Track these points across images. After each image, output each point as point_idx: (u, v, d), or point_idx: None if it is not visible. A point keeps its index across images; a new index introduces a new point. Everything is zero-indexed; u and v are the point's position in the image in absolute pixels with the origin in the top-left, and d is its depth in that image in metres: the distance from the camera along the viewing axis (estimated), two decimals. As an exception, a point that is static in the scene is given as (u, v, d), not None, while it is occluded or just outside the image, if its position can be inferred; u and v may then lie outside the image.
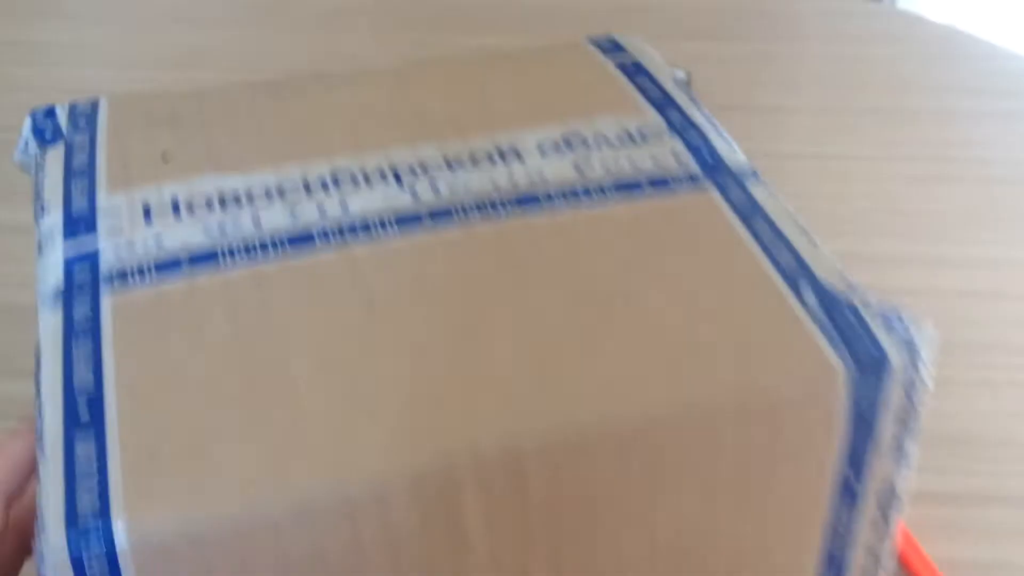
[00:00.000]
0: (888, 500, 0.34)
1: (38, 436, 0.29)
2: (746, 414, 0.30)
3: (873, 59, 0.82)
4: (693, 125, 0.39)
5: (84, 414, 0.29)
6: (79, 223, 0.35)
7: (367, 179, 0.37)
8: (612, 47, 0.45)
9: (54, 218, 0.36)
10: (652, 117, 0.40)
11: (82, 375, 0.30)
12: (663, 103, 0.41)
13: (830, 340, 0.31)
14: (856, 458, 0.32)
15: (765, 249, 0.34)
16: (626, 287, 0.33)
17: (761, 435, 0.31)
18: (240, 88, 0.43)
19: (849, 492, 0.33)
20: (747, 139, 0.41)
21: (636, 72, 0.43)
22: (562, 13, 0.87)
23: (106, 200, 0.36)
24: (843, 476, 0.33)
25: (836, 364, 0.31)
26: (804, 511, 0.33)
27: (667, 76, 0.43)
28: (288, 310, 0.32)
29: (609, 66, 0.43)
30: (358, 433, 0.29)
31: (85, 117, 0.41)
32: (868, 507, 0.34)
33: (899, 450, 0.33)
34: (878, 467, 0.33)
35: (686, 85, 0.43)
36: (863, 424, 0.32)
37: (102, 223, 0.35)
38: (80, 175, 0.38)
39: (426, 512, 0.29)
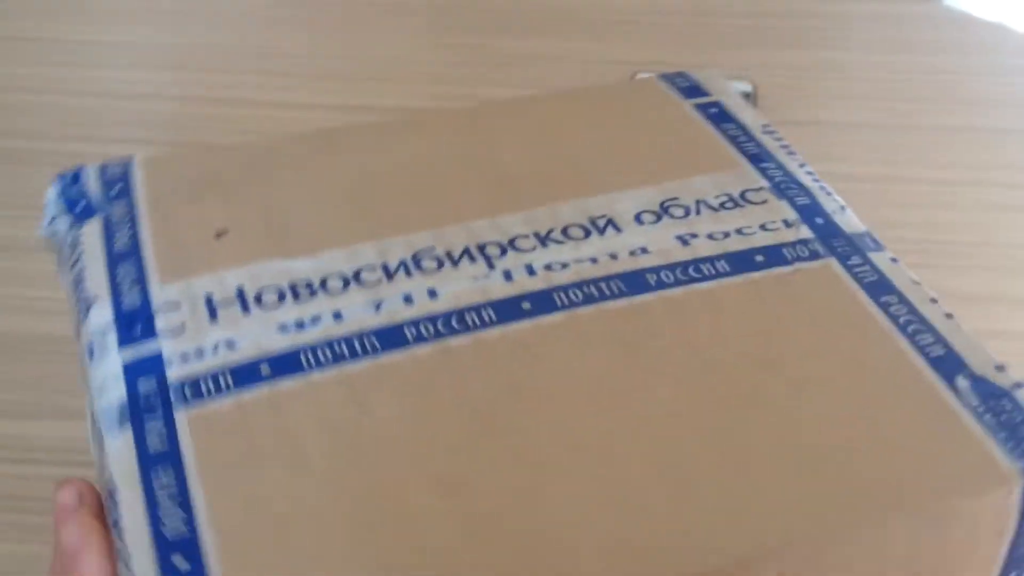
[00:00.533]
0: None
1: (127, 595, 0.25)
2: (915, 529, 0.27)
3: (946, 69, 0.77)
4: (797, 183, 0.36)
5: (183, 566, 0.25)
6: (134, 322, 0.31)
7: (452, 259, 0.33)
8: (689, 87, 0.41)
9: (104, 315, 0.32)
10: (751, 175, 0.37)
11: (171, 516, 0.26)
12: (758, 156, 0.38)
13: (996, 439, 0.28)
14: (1019, 557, 0.29)
15: (903, 330, 0.31)
16: (759, 382, 0.30)
17: (930, 546, 0.28)
18: (287, 143, 0.39)
19: (1006, 590, 0.30)
20: (815, 160, 0.38)
21: (721, 118, 0.40)
22: (600, 14, 0.82)
23: (161, 292, 0.32)
24: (1005, 573, 0.30)
25: (1008, 470, 0.28)
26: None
27: (755, 121, 0.39)
28: (389, 420, 0.28)
29: (691, 111, 0.40)
30: (494, 567, 0.25)
31: (119, 183, 0.37)
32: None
33: (1061, 549, 0.30)
34: (1037, 567, 0.30)
35: (750, 99, 0.40)
36: (1031, 527, 0.29)
37: (161, 321, 0.31)
38: (125, 259, 0.34)
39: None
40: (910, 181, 0.66)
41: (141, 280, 0.33)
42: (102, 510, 0.29)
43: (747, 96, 0.66)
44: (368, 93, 0.73)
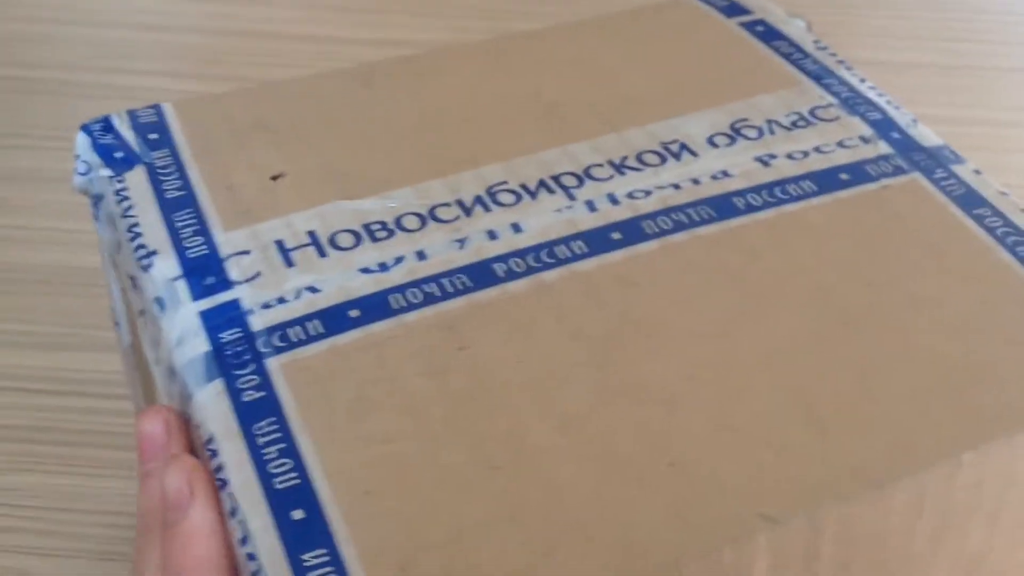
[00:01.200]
0: None
1: (249, 556, 0.24)
2: (1043, 441, 0.27)
3: (996, 10, 0.74)
4: (866, 100, 0.35)
5: (303, 525, 0.24)
6: (205, 272, 0.30)
7: (529, 192, 0.32)
8: (729, 5, 0.40)
9: (169, 266, 0.30)
10: (816, 92, 0.36)
11: (280, 467, 0.25)
12: (818, 73, 0.37)
13: (1117, 347, 0.28)
14: None
15: (1002, 242, 0.30)
16: (872, 302, 0.29)
17: (1053, 462, 0.27)
18: (325, 80, 0.37)
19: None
20: None
21: (770, 35, 0.38)
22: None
23: (227, 239, 0.30)
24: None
25: None
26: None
27: (806, 37, 0.38)
28: (495, 359, 0.27)
29: (737, 30, 0.39)
30: (628, 506, 0.24)
31: (155, 129, 0.35)
32: None
33: None
34: None
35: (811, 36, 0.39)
36: None
37: (234, 269, 0.30)
38: (181, 206, 0.32)
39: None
40: (972, 123, 0.65)
41: (203, 228, 0.31)
42: (191, 444, 0.27)
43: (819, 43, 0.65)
44: (401, 27, 0.71)
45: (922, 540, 0.27)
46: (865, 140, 0.34)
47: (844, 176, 0.32)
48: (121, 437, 0.46)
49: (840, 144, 0.33)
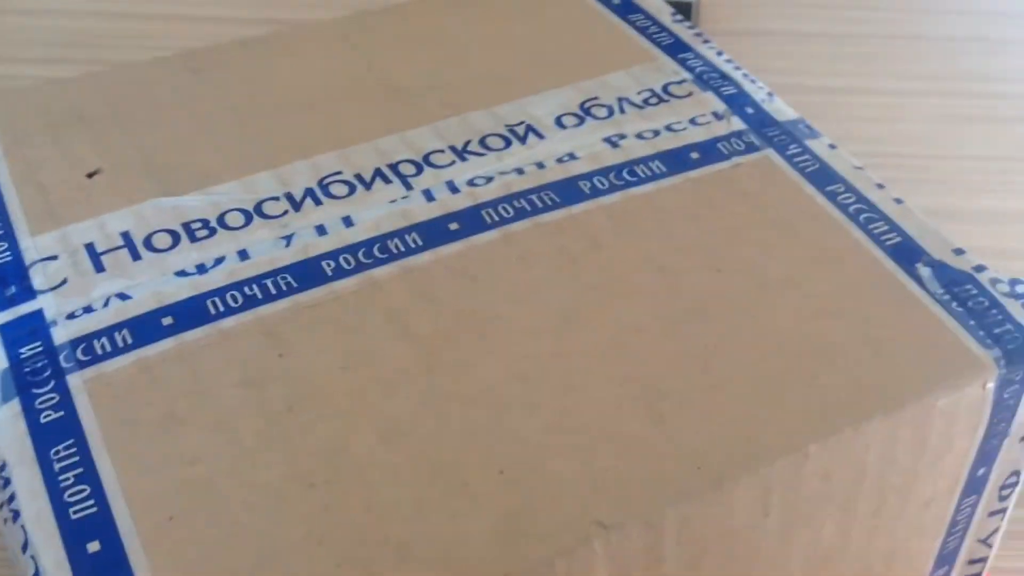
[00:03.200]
0: (1009, 486, 0.30)
1: (37, 596, 0.22)
2: (893, 430, 0.26)
3: None
4: (721, 74, 0.34)
5: (99, 559, 0.22)
6: (6, 281, 0.27)
7: (364, 182, 0.30)
8: None
9: (-32, 275, 0.28)
10: (670, 67, 0.34)
11: (78, 499, 0.23)
12: (673, 47, 0.35)
13: (968, 329, 0.27)
14: (990, 450, 0.28)
15: (854, 220, 0.29)
16: (719, 287, 0.27)
17: (905, 448, 0.26)
18: (148, 68, 0.35)
19: (976, 484, 0.29)
20: (760, 72, 0.36)
21: (626, 8, 0.37)
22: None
23: (33, 244, 0.28)
24: (974, 469, 0.28)
25: (985, 359, 0.26)
26: (935, 513, 0.29)
27: (663, 10, 0.37)
28: (317, 366, 0.25)
29: (592, 3, 0.37)
30: (453, 520, 0.23)
31: (-37, 127, 0.32)
32: (991, 495, 0.30)
33: (1029, 435, 0.29)
34: (1007, 454, 0.29)
35: (692, 9, 0.37)
36: (1003, 415, 0.27)
37: (38, 276, 0.27)
38: (-15, 210, 0.29)
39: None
40: (860, 92, 0.64)
41: (8, 233, 0.29)
42: None
43: (688, 5, 0.63)
44: (286, 6, 0.68)
45: (773, 535, 0.26)
46: (718, 116, 0.32)
47: (695, 155, 0.31)
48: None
49: (692, 121, 0.32)
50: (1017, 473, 0.30)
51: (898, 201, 0.30)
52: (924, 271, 0.28)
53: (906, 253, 0.28)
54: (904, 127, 0.62)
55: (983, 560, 0.31)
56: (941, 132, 0.62)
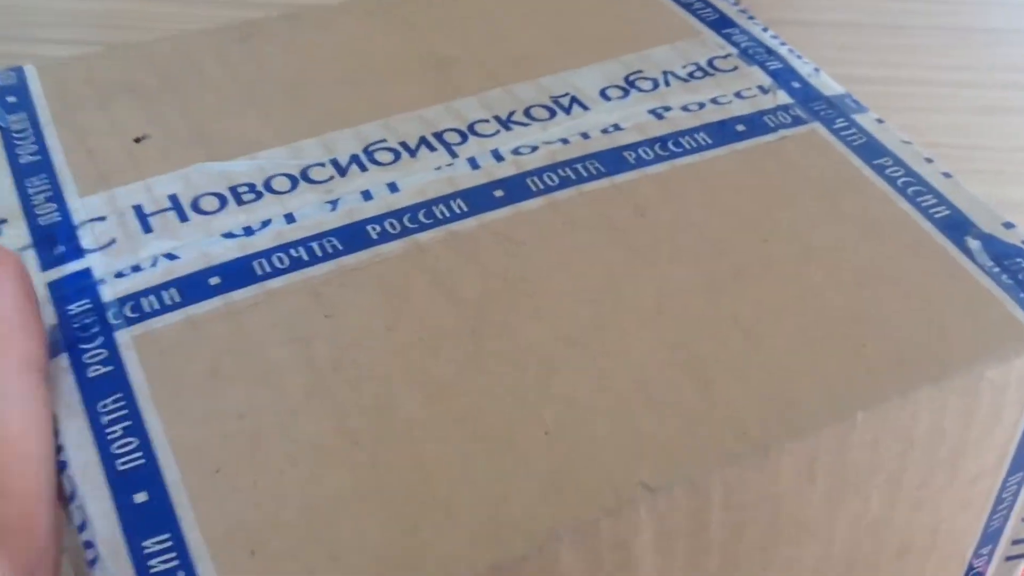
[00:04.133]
0: (1055, 465, 0.30)
1: (86, 543, 0.22)
2: (942, 400, 0.25)
3: None
4: (766, 48, 0.34)
5: (146, 509, 0.22)
6: (55, 240, 0.27)
7: (409, 150, 0.30)
8: None
9: (18, 236, 0.28)
10: (715, 42, 0.34)
11: (123, 446, 0.23)
12: (718, 22, 0.35)
13: (1017, 300, 0.26)
14: (1036, 428, 0.28)
15: (902, 192, 0.29)
16: (761, 250, 0.27)
17: (954, 419, 0.26)
18: (197, 38, 0.35)
19: (1021, 459, 0.29)
20: None
21: (669, -15, 0.37)
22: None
23: (82, 205, 0.28)
24: (1021, 445, 0.28)
25: (1035, 328, 0.26)
26: (982, 489, 0.28)
27: (706, -13, 0.37)
28: (363, 327, 0.25)
29: None
30: (498, 479, 0.23)
31: (14, 92, 0.32)
32: (1035, 475, 0.29)
33: (1078, 411, 0.28)
34: (1053, 432, 0.29)
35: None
36: (1052, 390, 0.27)
37: (87, 237, 0.27)
38: (35, 172, 0.30)
39: (592, 556, 0.23)
40: (906, 83, 0.63)
41: (57, 194, 0.29)
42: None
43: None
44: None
45: (819, 503, 0.25)
46: (764, 90, 0.32)
47: (740, 127, 0.31)
48: None
49: (738, 95, 0.32)
50: (1064, 450, 0.29)
51: (946, 175, 0.30)
52: (973, 243, 0.28)
53: (955, 225, 0.28)
54: (949, 118, 0.61)
55: (1027, 540, 0.31)
56: (985, 123, 0.61)
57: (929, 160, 0.30)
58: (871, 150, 0.30)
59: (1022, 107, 0.62)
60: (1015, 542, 0.31)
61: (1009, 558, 0.31)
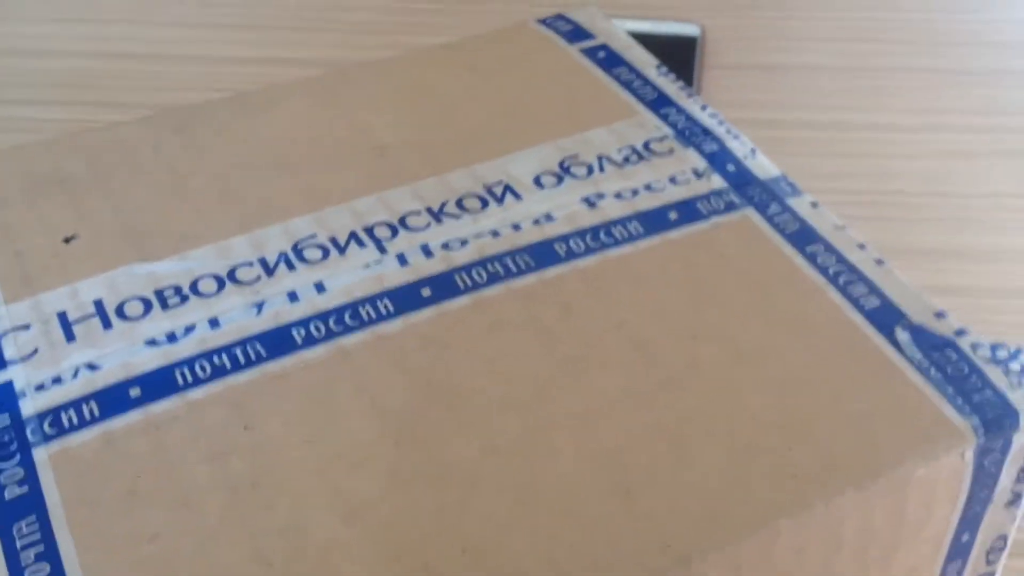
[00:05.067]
0: (997, 550, 0.29)
1: None
2: (869, 502, 0.25)
3: (901, 7, 0.72)
4: (703, 129, 0.34)
5: (53, 643, 0.22)
6: (-22, 349, 0.27)
7: (338, 246, 0.30)
8: (572, 30, 0.38)
9: (-59, 344, 0.28)
10: (652, 123, 0.34)
11: (35, 572, 0.23)
12: (657, 101, 0.35)
13: (946, 396, 0.26)
14: (973, 516, 0.28)
15: (833, 282, 0.29)
16: (688, 352, 0.27)
17: (883, 520, 0.26)
18: (131, 128, 0.35)
19: (961, 549, 0.28)
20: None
21: (611, 62, 0.37)
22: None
23: (6, 312, 0.28)
24: (957, 536, 0.28)
25: (963, 427, 0.26)
26: (917, 583, 0.28)
27: (648, 62, 0.37)
28: (282, 440, 0.25)
29: (578, 57, 0.37)
30: (415, 604, 0.22)
31: (-54, 189, 0.32)
32: (977, 560, 0.29)
33: (1015, 500, 0.28)
34: (992, 520, 0.28)
35: (698, 44, 0.37)
36: (985, 483, 0.27)
37: (9, 346, 0.27)
38: (-39, 277, 0.29)
39: None
40: (862, 128, 0.63)
41: (-19, 300, 0.29)
42: None
43: (693, 40, 0.63)
44: (286, 44, 0.68)
45: (748, 610, 0.25)
46: (698, 174, 0.32)
47: (673, 215, 0.31)
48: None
49: (672, 180, 0.32)
50: (1004, 538, 0.29)
51: (879, 262, 0.29)
52: (903, 335, 0.27)
53: (885, 317, 0.28)
54: (915, 164, 0.62)
55: (972, 625, 0.31)
56: (950, 168, 0.61)
57: (862, 247, 0.30)
58: (803, 237, 0.30)
59: (987, 151, 0.62)
60: (961, 627, 0.31)
61: (955, 642, 0.31)
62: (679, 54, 0.65)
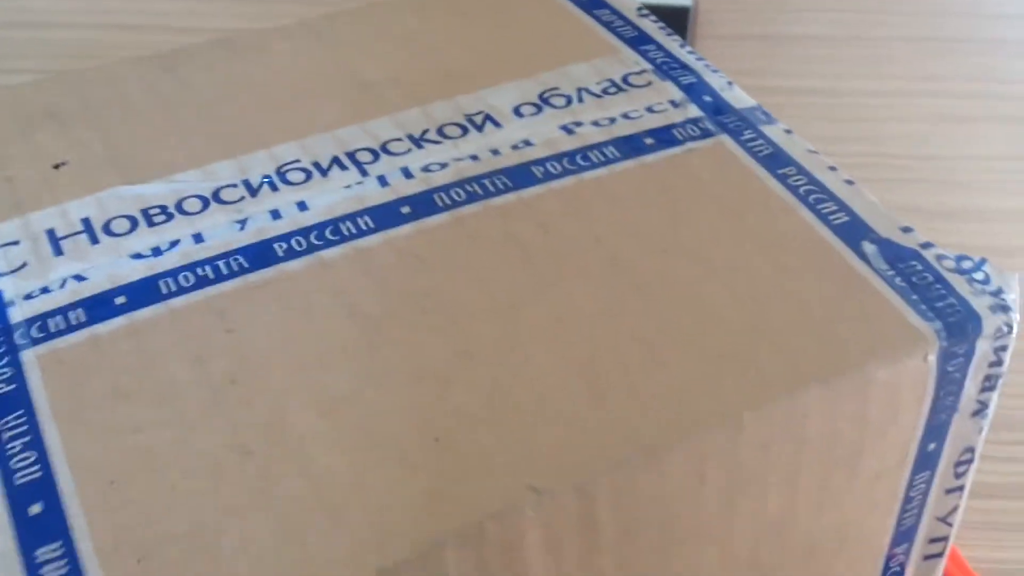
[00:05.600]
0: (965, 463, 0.30)
1: (-22, 557, 0.22)
2: (832, 401, 0.26)
3: None
4: (681, 64, 0.34)
5: (40, 519, 0.22)
6: (-31, 264, 0.28)
7: (320, 170, 0.30)
8: None
9: (-66, 261, 0.28)
10: (631, 59, 0.35)
11: (24, 465, 0.23)
12: (637, 40, 0.36)
13: (910, 303, 0.27)
14: (939, 425, 0.28)
15: (803, 200, 0.30)
16: (662, 266, 0.28)
17: (847, 420, 0.26)
18: (124, 66, 0.36)
19: (928, 459, 0.29)
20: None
21: (592, 4, 0.37)
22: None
23: (-2, 230, 0.29)
24: (924, 444, 0.29)
25: (925, 331, 0.26)
26: (885, 487, 0.29)
27: (629, 4, 0.37)
28: (262, 342, 0.26)
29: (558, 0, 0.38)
30: (387, 487, 0.23)
31: (-58, 125, 0.33)
32: (945, 472, 0.30)
33: (981, 411, 0.29)
34: (958, 430, 0.29)
35: (691, 13, 0.38)
36: (950, 389, 0.28)
37: (0, 261, 0.28)
38: (-45, 201, 0.30)
39: (479, 559, 0.23)
40: (856, 93, 0.64)
41: (-27, 220, 0.29)
42: None
43: (685, 10, 0.64)
44: (290, 15, 0.69)
45: (712, 504, 0.26)
46: (675, 104, 0.33)
47: (649, 141, 0.31)
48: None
49: (649, 109, 0.32)
50: (971, 450, 0.30)
51: (848, 182, 0.30)
52: (869, 248, 0.28)
53: (853, 231, 0.29)
54: (904, 126, 0.62)
55: (944, 539, 0.31)
56: (944, 132, 0.62)
57: (833, 168, 0.31)
58: (776, 160, 0.31)
59: (976, 116, 0.63)
60: (932, 540, 0.31)
61: (928, 557, 0.31)
62: (672, 24, 0.65)
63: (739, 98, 0.33)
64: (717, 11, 0.70)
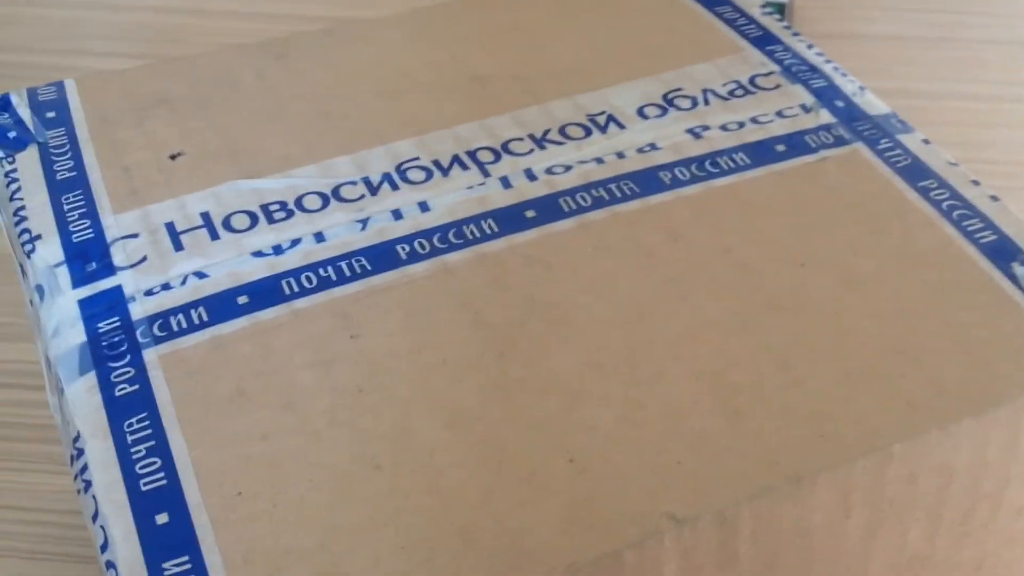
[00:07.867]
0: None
1: (108, 564, 0.22)
2: (984, 434, 0.24)
3: None
4: (811, 67, 0.33)
5: (167, 530, 0.22)
6: (88, 257, 0.28)
7: (441, 168, 0.30)
8: None
9: (52, 252, 0.28)
10: (758, 59, 0.33)
11: (149, 471, 0.23)
12: (762, 39, 0.34)
13: (1065, 328, 0.25)
14: (1084, 461, 0.27)
15: (947, 216, 0.28)
16: (796, 278, 0.27)
17: (998, 451, 0.25)
18: (230, 54, 0.35)
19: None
20: (858, 75, 0.35)
21: (713, 0, 0.36)
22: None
23: (115, 222, 0.29)
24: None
25: (1083, 359, 0.25)
26: (1024, 528, 0.27)
27: (752, 2, 0.36)
28: (387, 349, 0.25)
29: None
30: (518, 508, 0.22)
31: (53, 107, 0.33)
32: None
33: None
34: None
35: (786, 11, 0.37)
36: (1101, 423, 0.26)
37: (119, 253, 0.28)
38: (70, 188, 0.30)
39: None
40: (953, 97, 0.62)
41: (91, 211, 0.29)
42: None
43: (782, 8, 0.62)
44: (364, 5, 0.68)
45: (854, 538, 0.25)
46: (806, 109, 0.31)
47: (780, 148, 0.30)
48: (50, 430, 0.44)
49: (779, 114, 0.31)
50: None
51: (994, 198, 0.29)
52: (1020, 270, 0.27)
53: (1001, 251, 0.27)
54: (1000, 133, 0.60)
55: (1077, 577, 0.30)
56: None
57: (976, 183, 0.29)
58: (915, 172, 0.29)
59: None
60: (1064, 578, 0.30)
61: (1057, 594, 0.30)
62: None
63: (872, 104, 0.32)
64: (814, 8, 0.68)
